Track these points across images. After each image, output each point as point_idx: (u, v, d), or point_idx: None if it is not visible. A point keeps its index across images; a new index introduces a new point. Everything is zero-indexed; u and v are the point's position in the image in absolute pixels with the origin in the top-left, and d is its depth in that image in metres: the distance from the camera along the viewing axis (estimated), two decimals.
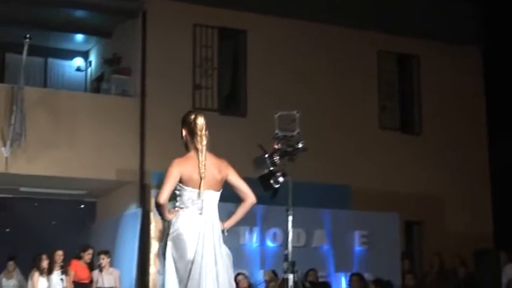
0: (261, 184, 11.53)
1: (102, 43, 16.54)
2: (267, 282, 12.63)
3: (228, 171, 6.33)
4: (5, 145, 13.21)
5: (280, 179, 11.06)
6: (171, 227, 6.03)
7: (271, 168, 10.98)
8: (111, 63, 15.22)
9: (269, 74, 15.35)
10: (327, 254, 14.16)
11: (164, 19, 14.78)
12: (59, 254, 13.22)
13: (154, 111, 14.44)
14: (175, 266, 6.09)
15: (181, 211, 6.02)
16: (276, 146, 10.64)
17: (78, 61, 17.19)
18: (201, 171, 6.03)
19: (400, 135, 16.61)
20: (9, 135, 13.13)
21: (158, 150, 14.28)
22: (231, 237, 13.65)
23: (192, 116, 6.23)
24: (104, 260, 12.81)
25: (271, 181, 11.14)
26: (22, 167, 13.41)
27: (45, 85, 16.73)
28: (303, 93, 15.28)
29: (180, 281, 6.05)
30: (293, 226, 10.43)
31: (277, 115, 10.66)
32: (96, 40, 16.76)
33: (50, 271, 13.10)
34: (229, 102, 15.62)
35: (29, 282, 13.04)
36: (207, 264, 5.92)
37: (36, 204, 16.18)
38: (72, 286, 13.07)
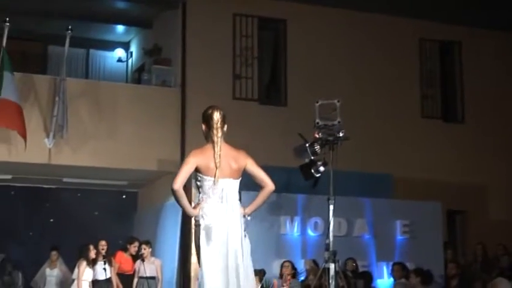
0: (302, 173, 11.53)
1: (143, 34, 16.61)
2: (308, 271, 12.61)
3: (247, 160, 6.67)
4: (48, 136, 13.34)
5: (321, 168, 11.05)
6: (200, 219, 6.30)
7: (312, 158, 10.97)
8: (152, 53, 15.28)
9: (309, 63, 15.29)
10: (368, 243, 14.09)
11: (204, 9, 14.79)
12: (103, 244, 13.35)
13: (195, 101, 14.44)
14: (209, 254, 6.29)
15: (203, 203, 6.34)
16: (316, 135, 10.61)
17: (119, 52, 17.29)
18: (216, 160, 6.40)
19: (442, 123, 16.44)
20: (51, 126, 13.25)
21: (199, 140, 14.14)
22: (272, 227, 13.79)
23: (210, 111, 6.72)
24: (146, 250, 12.90)
25: (312, 170, 11.13)
26: (65, 158, 13.54)
27: (86, 76, 16.88)
28: (344, 81, 15.19)
29: (215, 267, 6.29)
30: (334, 215, 10.41)
31: (318, 104, 10.62)
32: (136, 31, 16.84)
33: (95, 261, 13.24)
34: (270, 91, 15.59)
35: (75, 271, 13.17)
36: (235, 251, 6.40)
37: (78, 194, 16.34)
38: (117, 278, 13.20)
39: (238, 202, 6.51)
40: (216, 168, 6.38)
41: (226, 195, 6.39)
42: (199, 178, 6.43)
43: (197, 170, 6.41)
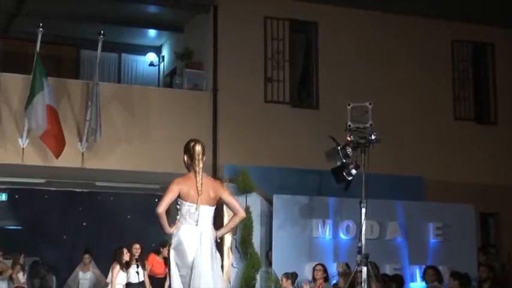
0: (334, 176, 11.52)
1: (175, 38, 16.68)
2: (340, 274, 12.57)
3: (222, 190, 7.33)
4: (81, 140, 13.45)
5: (353, 171, 11.04)
6: (173, 238, 7.12)
7: (344, 160, 10.96)
8: (184, 57, 15.33)
9: (341, 65, 15.25)
10: (400, 246, 14.01)
11: (235, 12, 14.82)
12: (136, 247, 13.43)
13: (227, 105, 14.50)
14: (179, 272, 7.08)
15: (179, 223, 7.13)
16: (348, 138, 10.61)
17: (151, 56, 17.36)
18: (198, 189, 7.11)
19: (475, 125, 16.31)
20: (85, 130, 13.35)
21: (231, 143, 14.35)
22: (304, 230, 13.81)
23: (192, 144, 7.37)
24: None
25: (344, 173, 11.13)
26: (98, 161, 13.63)
27: (119, 80, 16.98)
28: (376, 84, 15.13)
29: (183, 284, 7.06)
30: (366, 218, 10.40)
31: (349, 107, 10.62)
32: (168, 35, 16.91)
33: (128, 264, 13.32)
34: (301, 94, 15.58)
35: (109, 275, 13.26)
36: (205, 269, 7.02)
37: (111, 198, 16.41)
38: (149, 280, 13.27)
39: (211, 226, 7.23)
40: (198, 195, 7.11)
41: (201, 219, 7.12)
42: (179, 202, 7.17)
43: (178, 196, 7.16)
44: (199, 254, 7.02)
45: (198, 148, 7.33)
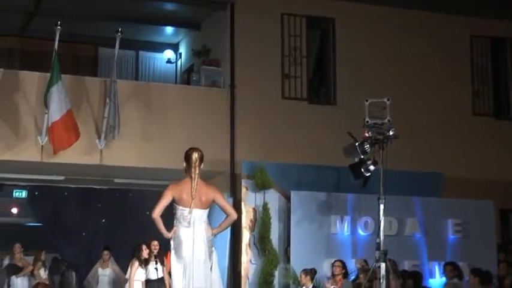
0: (352, 172, 11.50)
1: (192, 35, 16.70)
2: (360, 270, 12.55)
3: (215, 194, 7.98)
4: (99, 138, 13.50)
5: (371, 167, 11.01)
6: (173, 240, 7.82)
7: (362, 157, 10.93)
8: (201, 54, 15.35)
9: (358, 61, 15.21)
10: (419, 242, 13.98)
11: (252, 9, 14.81)
12: (155, 244, 13.49)
13: (244, 102, 14.50)
14: (177, 269, 7.75)
15: (175, 227, 7.83)
16: (366, 134, 10.57)
17: (169, 53, 17.40)
18: (193, 193, 7.78)
19: (494, 121, 16.21)
20: (103, 128, 13.40)
21: (248, 139, 14.36)
22: (322, 227, 13.80)
23: (190, 152, 8.11)
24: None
25: (362, 169, 11.09)
26: (116, 158, 13.68)
27: (136, 78, 17.04)
28: (394, 80, 15.09)
29: (183, 277, 7.72)
30: (385, 214, 10.36)
31: (367, 103, 10.58)
32: (185, 32, 16.94)
33: (147, 261, 13.36)
34: (319, 90, 15.56)
35: (128, 271, 13.32)
36: (198, 268, 7.70)
37: (130, 195, 16.48)
38: (168, 277, 13.31)
39: (205, 226, 7.86)
40: (192, 199, 7.76)
41: (193, 222, 7.76)
42: (174, 207, 7.84)
43: (173, 201, 7.83)
44: (193, 254, 7.69)
45: (195, 156, 8.05)
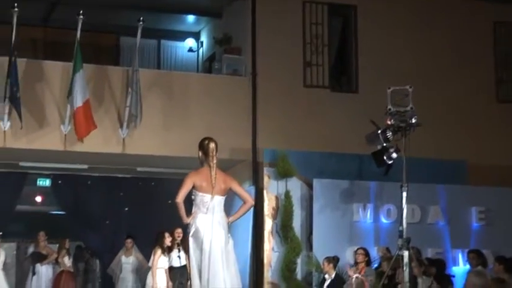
0: (374, 160, 11.47)
1: (213, 23, 16.69)
2: (383, 258, 12.54)
3: (232, 182, 8.34)
4: (121, 127, 13.55)
5: (394, 155, 10.98)
6: (191, 226, 8.07)
7: (384, 144, 10.90)
8: (222, 43, 15.34)
9: (380, 49, 15.13)
10: (442, 230, 13.94)
11: None
12: (178, 232, 13.55)
13: (266, 90, 14.49)
14: (195, 255, 8.00)
15: (194, 213, 8.08)
16: (388, 122, 10.53)
17: (190, 42, 17.41)
18: (213, 182, 8.08)
19: None
20: (125, 116, 13.45)
21: (270, 128, 14.35)
22: (344, 215, 13.79)
23: (206, 142, 8.30)
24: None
25: (385, 157, 11.07)
26: (138, 147, 13.73)
27: (158, 67, 17.06)
28: (416, 67, 15.00)
29: (198, 265, 7.99)
30: (408, 202, 10.33)
31: (389, 90, 10.54)
32: (207, 21, 16.93)
33: (170, 249, 13.42)
34: (341, 78, 15.50)
35: (151, 258, 13.39)
36: (216, 251, 7.95)
37: (152, 183, 16.54)
38: None
39: (223, 213, 8.23)
40: (213, 187, 8.07)
41: (213, 208, 8.08)
42: (194, 193, 8.13)
43: (193, 187, 8.11)
44: (212, 239, 7.97)
45: (212, 146, 8.24)
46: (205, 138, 8.40)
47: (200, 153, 8.28)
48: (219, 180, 8.15)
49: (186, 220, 8.06)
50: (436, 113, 14.66)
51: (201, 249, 7.98)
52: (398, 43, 15.27)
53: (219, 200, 8.15)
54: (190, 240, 8.06)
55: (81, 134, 12.80)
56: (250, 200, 8.46)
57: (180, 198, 8.00)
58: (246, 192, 8.57)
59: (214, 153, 8.22)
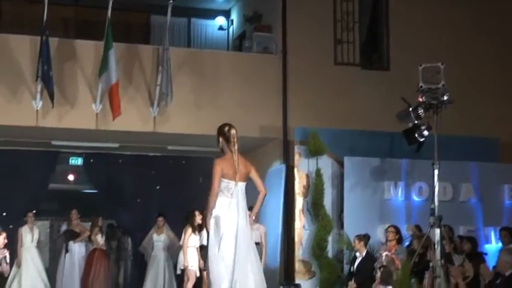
0: (406, 138, 11.41)
1: (243, 1, 16.65)
2: (414, 236, 12.49)
3: (251, 168, 8.32)
4: (152, 105, 13.61)
5: (425, 133, 10.91)
6: (214, 210, 8.05)
7: (416, 122, 10.83)
8: (253, 20, 15.30)
9: (412, 25, 14.99)
10: (474, 208, 13.85)
11: None
12: None
13: (296, 68, 14.44)
14: (215, 237, 8.07)
15: (219, 198, 8.06)
16: (420, 99, 10.46)
17: (220, 20, 17.39)
18: (236, 167, 8.09)
19: None
20: (156, 95, 13.50)
21: (301, 106, 14.32)
22: (375, 193, 13.75)
23: (227, 128, 8.31)
24: (250, 217, 12.98)
25: (416, 134, 11.00)
26: (169, 126, 13.78)
27: (188, 45, 17.07)
28: (448, 44, 14.85)
29: (219, 246, 8.05)
30: (439, 180, 10.28)
31: (421, 67, 10.45)
32: None
33: (201, 227, 13.47)
34: (372, 56, 15.40)
35: (182, 237, 13.46)
36: (242, 237, 8.05)
37: (183, 162, 16.60)
38: None
39: (245, 198, 8.19)
40: (236, 173, 8.08)
41: (237, 193, 8.09)
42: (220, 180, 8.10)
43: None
44: (237, 223, 8.04)
45: (233, 132, 8.27)
46: (225, 125, 8.41)
47: (221, 140, 8.28)
48: (241, 165, 8.17)
49: (212, 206, 8.05)
50: (468, 89, 14.52)
51: (222, 232, 8.02)
52: (429, 19, 15.12)
53: (242, 186, 8.18)
54: (212, 222, 8.07)
55: (117, 111, 12.82)
56: (263, 190, 8.44)
57: (216, 188, 8.02)
58: (261, 181, 8.52)
59: (235, 139, 8.25)
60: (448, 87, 10.36)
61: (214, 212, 8.06)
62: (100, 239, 15.13)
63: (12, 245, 13.92)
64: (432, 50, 14.10)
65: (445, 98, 10.28)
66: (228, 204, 8.07)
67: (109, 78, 12.74)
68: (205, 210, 8.27)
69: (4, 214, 15.43)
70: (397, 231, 12.58)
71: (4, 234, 11.49)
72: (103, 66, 12.82)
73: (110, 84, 12.74)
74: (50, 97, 12.65)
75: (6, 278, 13.61)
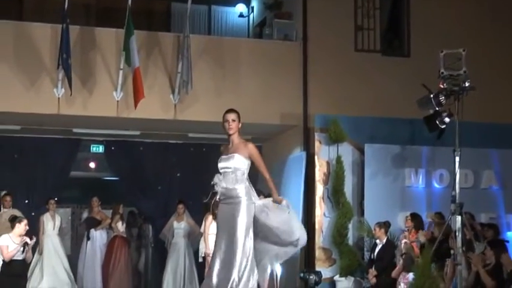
0: (426, 125, 11.36)
1: None
2: (435, 223, 12.45)
3: None
4: (173, 93, 13.64)
5: (446, 119, 10.85)
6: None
7: (437, 109, 10.78)
8: (273, 7, 15.27)
9: (432, 11, 14.90)
10: (496, 195, 13.78)
11: None
12: None
13: (317, 55, 14.41)
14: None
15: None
16: (441, 86, 10.41)
17: (241, 7, 17.37)
18: None
19: None
20: (176, 83, 13.52)
21: (321, 93, 14.29)
22: (396, 180, 13.70)
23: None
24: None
25: (437, 121, 10.95)
26: (189, 113, 13.81)
27: (209, 32, 17.07)
28: (469, 30, 14.73)
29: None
30: (460, 167, 10.24)
31: (442, 54, 10.40)
32: None
33: None
34: (392, 42, 15.32)
35: (203, 224, 13.49)
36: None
37: (204, 149, 16.62)
38: None
39: None
40: None
41: None
42: (247, 166, 8.26)
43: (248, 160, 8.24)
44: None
45: None
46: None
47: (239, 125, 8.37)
48: None
49: (276, 195, 8.36)
50: (489, 76, 14.42)
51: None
52: (450, 5, 15.02)
53: None
54: (252, 207, 8.12)
55: (140, 96, 12.81)
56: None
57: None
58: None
59: None
60: (469, 73, 10.30)
61: (254, 198, 8.19)
62: (120, 227, 15.21)
63: (34, 233, 14.03)
64: (453, 36, 14.00)
65: (467, 84, 10.23)
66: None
67: (134, 61, 12.75)
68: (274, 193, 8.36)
69: (26, 201, 15.52)
70: (417, 218, 12.55)
71: (25, 221, 11.55)
72: (127, 54, 12.82)
73: (136, 67, 12.75)
74: (69, 85, 12.71)
75: (29, 265, 13.72)
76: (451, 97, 10.38)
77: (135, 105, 12.93)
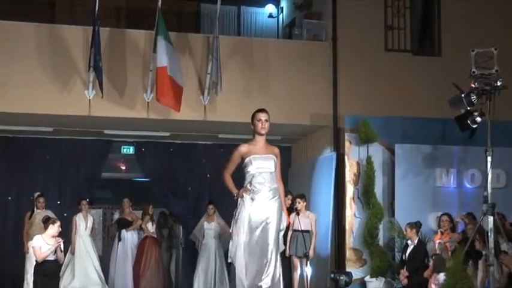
0: (458, 124, 11.27)
1: None
2: (467, 224, 12.35)
3: None
4: (203, 93, 13.67)
5: (478, 119, 10.76)
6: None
7: (468, 108, 10.69)
8: (302, 8, 15.27)
9: (464, 10, 14.79)
10: None
11: None
12: None
13: (346, 55, 14.37)
14: None
15: None
16: (473, 85, 10.32)
17: (270, 8, 17.38)
18: None
19: None
20: (206, 83, 13.56)
21: (351, 93, 14.25)
22: (427, 180, 13.60)
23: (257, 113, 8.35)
24: (300, 204, 12.95)
25: (469, 121, 10.86)
26: (219, 114, 13.84)
27: (238, 33, 17.10)
28: (500, 28, 14.62)
29: None
30: (492, 167, 10.14)
31: (473, 53, 10.31)
32: None
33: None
34: (423, 42, 15.24)
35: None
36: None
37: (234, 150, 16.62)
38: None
39: None
40: None
41: None
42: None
43: None
44: None
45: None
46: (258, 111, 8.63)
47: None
48: None
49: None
50: None
51: None
52: (481, 4, 14.89)
53: None
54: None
55: (162, 99, 12.83)
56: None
57: None
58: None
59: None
60: (501, 72, 10.20)
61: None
62: (150, 227, 15.27)
63: (67, 233, 14.14)
64: (485, 35, 13.90)
65: (499, 83, 10.14)
66: None
67: (161, 60, 12.76)
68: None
69: (58, 202, 15.64)
70: (451, 219, 12.47)
71: (58, 223, 11.64)
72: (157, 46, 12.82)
73: (156, 67, 12.76)
74: (100, 87, 12.79)
75: (61, 265, 13.82)
76: (483, 96, 10.28)
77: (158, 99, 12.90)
